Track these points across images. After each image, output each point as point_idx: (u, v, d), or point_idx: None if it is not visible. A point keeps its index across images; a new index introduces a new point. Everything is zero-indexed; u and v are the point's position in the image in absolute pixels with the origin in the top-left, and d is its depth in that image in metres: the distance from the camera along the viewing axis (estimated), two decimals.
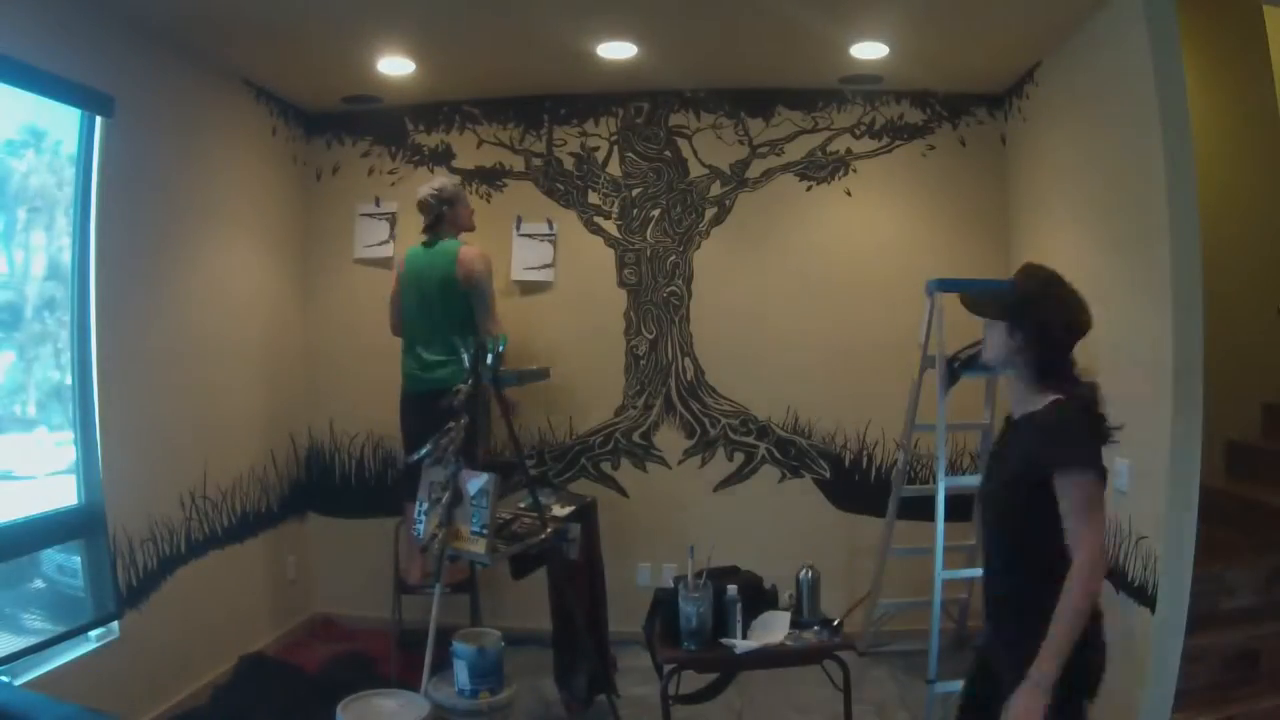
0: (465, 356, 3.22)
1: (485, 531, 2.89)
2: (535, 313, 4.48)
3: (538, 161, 4.54)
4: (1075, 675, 1.76)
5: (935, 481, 3.57)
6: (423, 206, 3.87)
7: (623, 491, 4.47)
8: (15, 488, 3.07)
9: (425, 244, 3.88)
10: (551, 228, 4.52)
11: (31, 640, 2.86)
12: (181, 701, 3.49)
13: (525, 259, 4.51)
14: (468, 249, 3.80)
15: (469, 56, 3.95)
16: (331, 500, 4.65)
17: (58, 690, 2.61)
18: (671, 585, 2.93)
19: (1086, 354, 3.50)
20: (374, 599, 4.29)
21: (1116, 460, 3.13)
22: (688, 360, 4.48)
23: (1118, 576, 3.12)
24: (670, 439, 4.48)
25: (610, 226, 4.51)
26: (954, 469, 4.30)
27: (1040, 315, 1.92)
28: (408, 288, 3.87)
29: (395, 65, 3.96)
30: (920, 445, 4.24)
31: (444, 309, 3.75)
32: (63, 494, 3.12)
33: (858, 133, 4.43)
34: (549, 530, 3.17)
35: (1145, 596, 2.89)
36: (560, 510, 3.39)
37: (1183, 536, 2.80)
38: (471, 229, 4.00)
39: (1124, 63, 3.15)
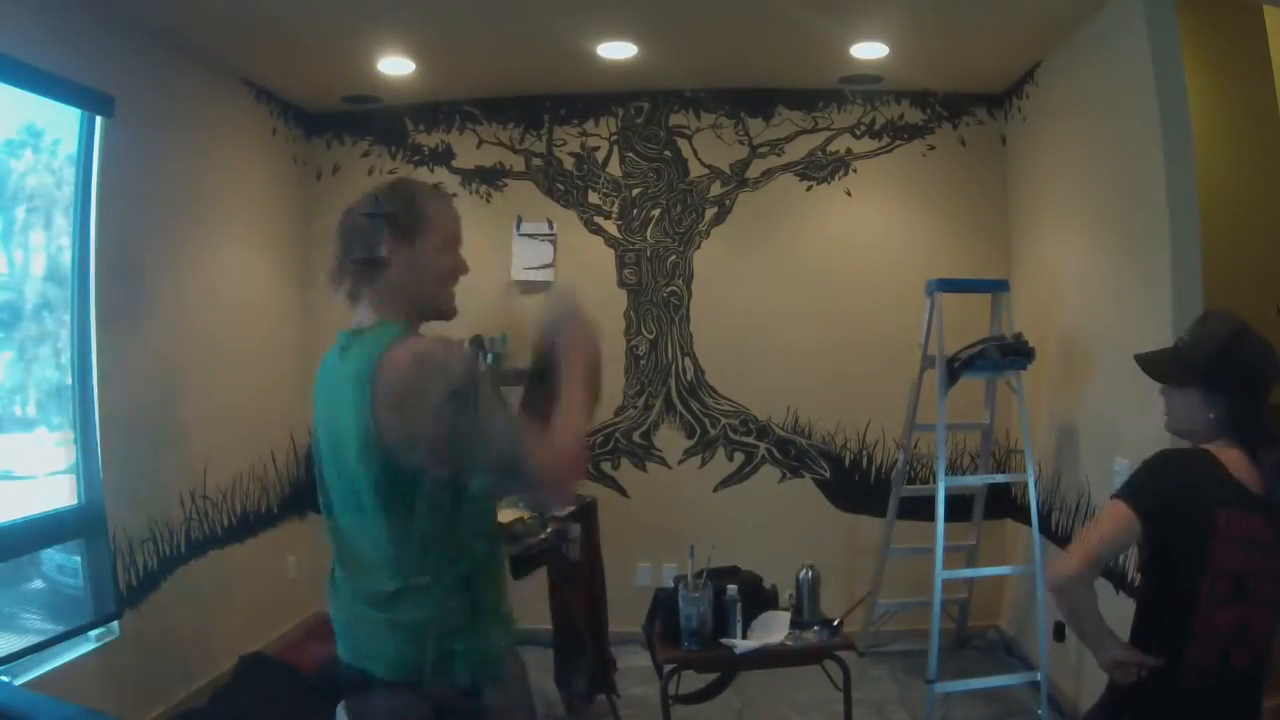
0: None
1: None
2: (535, 313, 4.47)
3: (538, 161, 4.54)
4: None
5: (935, 481, 3.57)
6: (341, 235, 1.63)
7: (623, 491, 4.47)
8: (15, 488, 3.07)
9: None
10: (551, 228, 4.51)
11: (31, 640, 2.86)
12: (181, 701, 3.48)
13: (525, 259, 4.51)
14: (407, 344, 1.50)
15: (469, 56, 3.95)
16: None
17: (58, 690, 2.61)
18: (671, 585, 2.93)
19: (1087, 353, 3.51)
20: None
21: (1116, 460, 3.14)
22: (688, 360, 4.47)
23: (1117, 576, 3.12)
24: (670, 439, 4.48)
25: (610, 226, 4.51)
26: (954, 469, 4.30)
27: (1243, 368, 1.65)
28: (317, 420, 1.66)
29: (395, 65, 3.96)
30: (920, 445, 4.24)
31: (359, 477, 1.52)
32: (63, 494, 3.11)
33: (858, 133, 4.43)
34: (549, 530, 3.17)
35: None
36: (560, 510, 3.38)
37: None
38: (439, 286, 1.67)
39: (1124, 63, 3.15)
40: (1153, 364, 1.79)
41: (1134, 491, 1.64)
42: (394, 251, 1.53)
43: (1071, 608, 1.71)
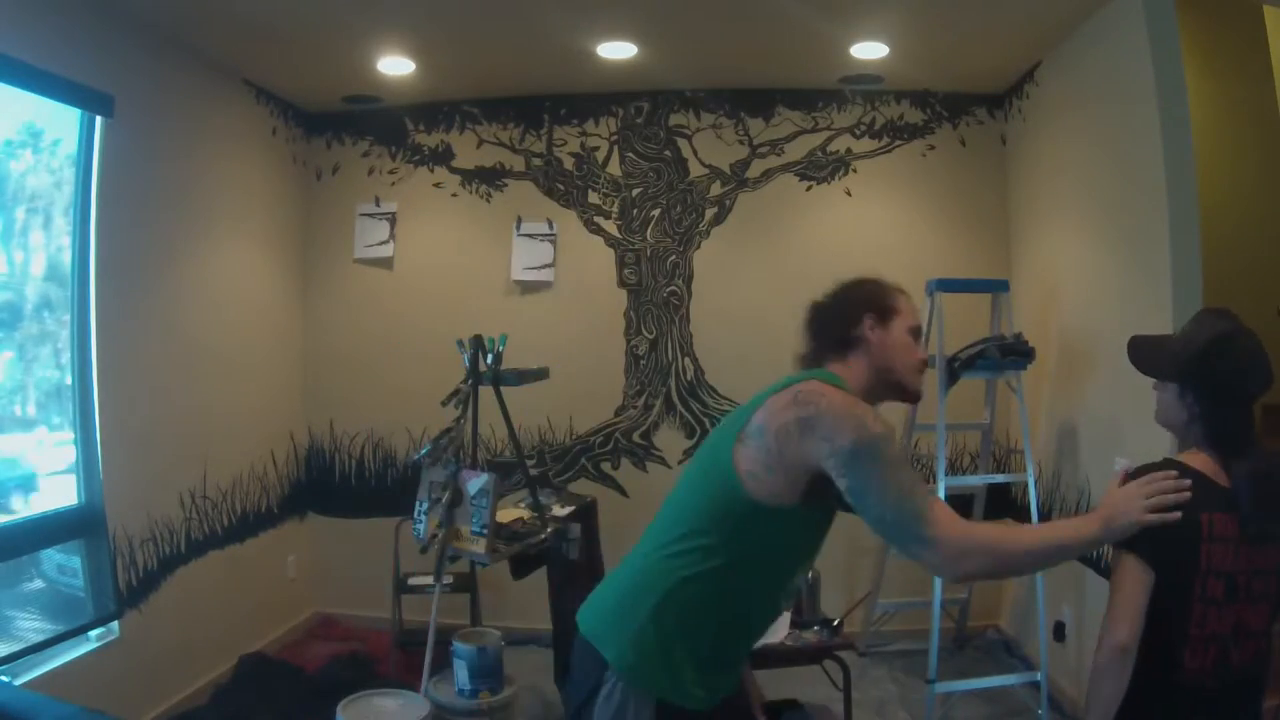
0: (464, 356, 3.22)
1: (485, 531, 2.89)
2: (535, 313, 4.48)
3: (538, 161, 4.54)
4: None
5: (935, 481, 3.57)
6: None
7: (623, 491, 4.47)
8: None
9: None
10: (551, 228, 4.51)
11: (32, 640, 2.86)
12: (181, 701, 3.49)
13: (525, 259, 4.51)
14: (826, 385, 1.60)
15: (469, 56, 3.95)
16: (331, 500, 4.65)
17: (58, 690, 2.61)
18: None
19: (1087, 353, 3.51)
20: (374, 599, 4.29)
21: (1117, 460, 3.13)
22: (688, 360, 4.47)
23: None
24: (670, 439, 4.47)
25: (610, 226, 4.51)
26: (954, 469, 4.30)
27: (1217, 374, 1.59)
28: None
29: (395, 65, 3.96)
30: (920, 445, 4.24)
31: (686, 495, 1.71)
32: (63, 494, 3.11)
33: (858, 133, 4.43)
34: (549, 530, 3.17)
35: None
36: (560, 510, 3.39)
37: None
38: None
39: (1124, 62, 3.15)
40: (1140, 352, 1.77)
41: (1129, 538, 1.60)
42: (871, 330, 1.70)
43: (1113, 689, 1.56)
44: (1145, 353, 1.76)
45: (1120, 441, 3.15)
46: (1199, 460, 1.61)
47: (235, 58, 3.87)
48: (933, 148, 4.42)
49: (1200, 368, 1.61)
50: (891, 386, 1.69)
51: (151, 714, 3.33)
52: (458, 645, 3.12)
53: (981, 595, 4.24)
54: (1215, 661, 1.56)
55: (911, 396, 1.71)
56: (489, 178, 4.56)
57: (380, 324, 4.61)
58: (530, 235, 4.51)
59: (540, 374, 4.04)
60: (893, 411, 4.12)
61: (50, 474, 3.15)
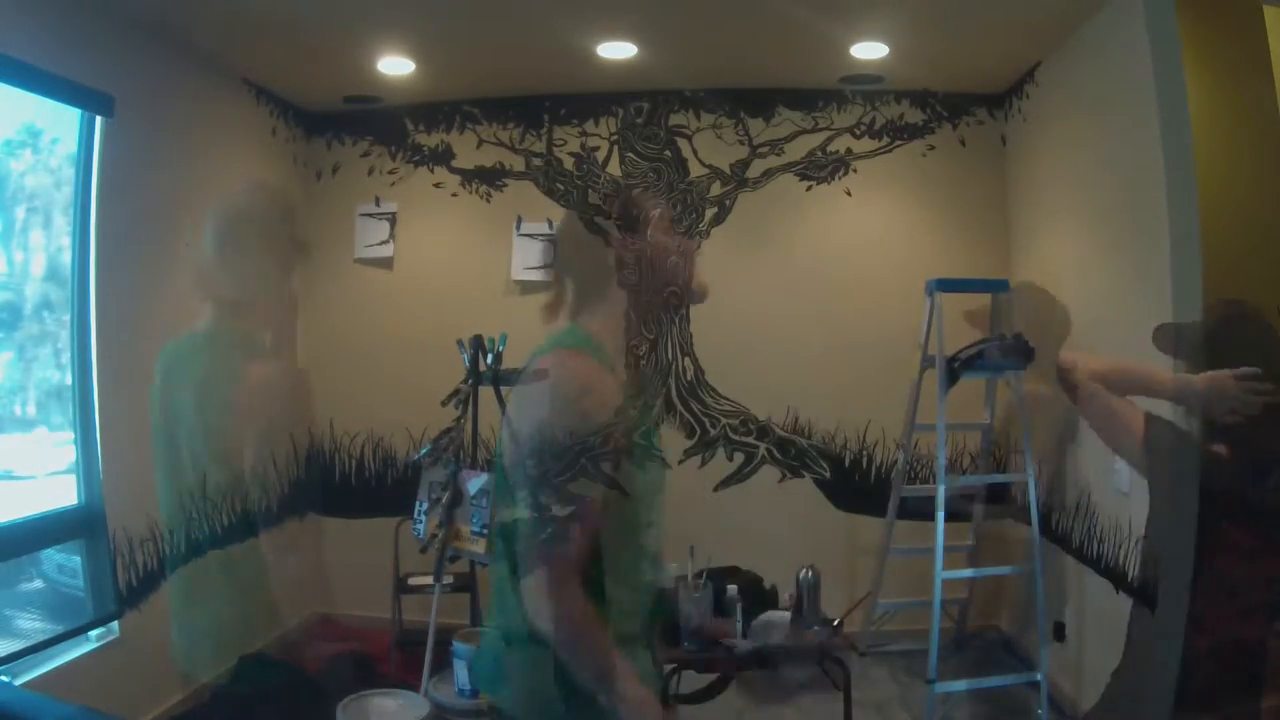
0: (464, 356, 3.23)
1: (485, 531, 2.90)
2: (535, 313, 4.47)
3: (538, 161, 4.53)
4: None
5: (935, 481, 3.57)
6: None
7: (623, 492, 4.46)
8: (15, 488, 3.07)
9: None
10: (551, 227, 4.52)
11: (32, 640, 2.86)
12: (181, 701, 3.48)
13: (525, 259, 4.51)
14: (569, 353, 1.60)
15: (469, 56, 3.95)
16: (331, 500, 4.65)
17: (58, 690, 2.61)
18: (671, 585, 2.93)
19: (1087, 353, 3.51)
20: (374, 599, 4.29)
21: (1117, 461, 3.14)
22: (688, 360, 4.47)
23: (1118, 576, 3.12)
24: (670, 439, 4.47)
25: (610, 227, 4.50)
26: (954, 469, 4.30)
27: (1225, 351, 1.67)
28: None
29: (395, 65, 3.96)
30: (920, 445, 4.23)
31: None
32: (63, 494, 3.11)
33: (858, 133, 4.43)
34: (548, 530, 3.17)
35: (1145, 596, 2.89)
36: (560, 510, 3.38)
37: (1183, 536, 2.79)
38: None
39: (1124, 63, 3.15)
40: (1160, 335, 1.82)
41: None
42: (623, 248, 1.57)
43: None
44: (1166, 337, 1.83)
45: None
46: (1220, 448, 1.61)
47: (235, 58, 3.87)
48: (933, 148, 4.41)
49: (1208, 346, 1.67)
50: (657, 293, 1.59)
51: (151, 714, 3.33)
52: (458, 645, 3.12)
53: (981, 595, 4.24)
54: (1210, 658, 1.55)
55: (693, 297, 1.62)
56: (489, 178, 4.56)
57: (380, 324, 4.61)
58: (530, 235, 4.51)
59: (540, 374, 4.02)
60: (892, 412, 4.14)
61: (50, 474, 3.15)
